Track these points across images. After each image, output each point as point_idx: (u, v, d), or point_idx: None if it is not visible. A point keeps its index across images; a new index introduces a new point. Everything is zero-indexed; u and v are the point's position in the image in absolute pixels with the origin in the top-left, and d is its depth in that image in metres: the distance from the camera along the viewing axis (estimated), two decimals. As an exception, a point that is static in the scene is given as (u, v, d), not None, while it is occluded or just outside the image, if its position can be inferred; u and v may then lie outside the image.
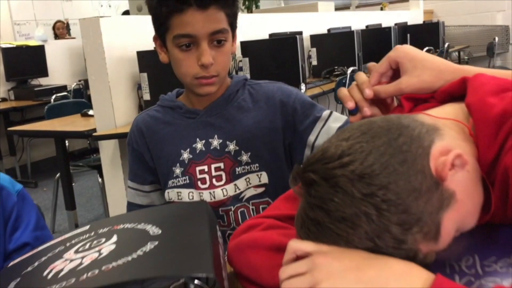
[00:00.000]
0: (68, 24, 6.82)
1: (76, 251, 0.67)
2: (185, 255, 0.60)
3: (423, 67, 0.74)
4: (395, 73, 0.77)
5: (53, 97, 3.94)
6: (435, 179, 0.56)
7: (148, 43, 2.43)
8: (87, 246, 0.67)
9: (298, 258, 0.58)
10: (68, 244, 0.72)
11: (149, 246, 0.62)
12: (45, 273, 0.63)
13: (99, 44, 2.38)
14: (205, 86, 1.03)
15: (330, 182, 0.55)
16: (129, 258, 0.59)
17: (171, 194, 1.09)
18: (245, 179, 1.08)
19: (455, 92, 0.70)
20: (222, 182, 1.07)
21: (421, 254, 0.56)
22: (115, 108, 2.48)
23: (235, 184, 1.07)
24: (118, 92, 2.51)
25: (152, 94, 2.46)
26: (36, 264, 0.69)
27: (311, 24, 4.39)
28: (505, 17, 6.92)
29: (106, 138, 2.42)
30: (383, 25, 5.22)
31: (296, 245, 0.58)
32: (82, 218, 3.45)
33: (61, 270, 0.61)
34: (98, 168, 2.99)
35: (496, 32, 6.86)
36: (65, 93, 4.16)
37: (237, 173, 1.07)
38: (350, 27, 4.48)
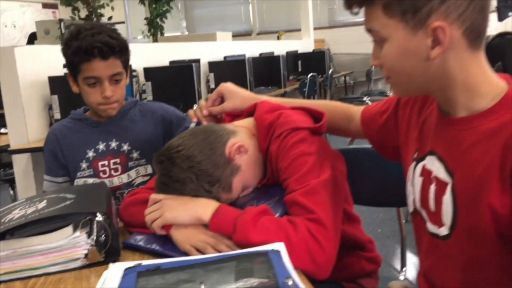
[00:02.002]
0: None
1: (20, 209, 1.08)
2: (90, 204, 1.05)
3: (236, 96, 1.25)
4: (222, 100, 1.28)
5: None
6: (227, 158, 1.06)
7: (58, 69, 2.81)
8: (27, 206, 1.09)
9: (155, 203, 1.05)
10: (12, 208, 1.12)
11: (68, 202, 1.06)
12: (1, 220, 1.03)
13: (13, 70, 2.71)
14: (107, 110, 1.49)
15: (171, 160, 1.03)
16: (56, 207, 1.03)
17: (79, 182, 1.51)
18: (135, 171, 1.54)
19: (251, 111, 1.21)
20: (118, 173, 1.53)
21: (222, 199, 1.05)
22: (28, 126, 2.80)
23: (128, 174, 1.54)
24: (31, 112, 2.84)
25: (62, 114, 2.81)
26: (-8, 219, 1.08)
27: (210, 51, 4.91)
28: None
29: (20, 152, 2.73)
30: (276, 53, 5.89)
31: (154, 196, 1.06)
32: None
33: (13, 217, 1.02)
34: (10, 182, 3.24)
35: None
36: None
37: (129, 166, 1.54)
38: (244, 55, 5.07)
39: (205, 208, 1.00)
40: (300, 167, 1.03)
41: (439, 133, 0.91)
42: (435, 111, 0.93)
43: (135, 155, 1.54)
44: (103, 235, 1.00)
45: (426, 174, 0.92)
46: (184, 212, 1.00)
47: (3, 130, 3.18)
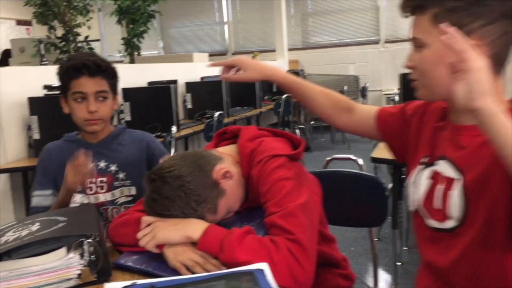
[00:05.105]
0: None
1: (14, 232, 1.13)
2: (81, 226, 1.11)
3: (253, 69, 1.31)
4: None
5: None
6: (215, 181, 1.14)
7: (38, 90, 2.85)
8: (20, 229, 1.14)
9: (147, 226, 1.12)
10: (5, 230, 1.17)
11: (60, 224, 1.12)
12: (-4, 243, 1.08)
13: (-7, 90, 2.74)
14: (92, 125, 1.59)
15: (162, 179, 1.10)
16: (50, 229, 1.08)
17: None
18: (120, 190, 1.63)
19: (236, 133, 1.30)
20: (104, 191, 1.61)
21: (207, 220, 1.12)
22: (7, 146, 2.82)
23: (112, 193, 1.62)
24: (9, 132, 2.86)
25: (42, 134, 2.84)
26: (-15, 241, 1.13)
27: (186, 72, 5.00)
28: (355, 68, 8.19)
29: (-2, 173, 2.74)
30: (251, 74, 5.99)
31: (146, 218, 1.13)
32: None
33: (8, 239, 1.07)
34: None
35: (348, 81, 8.07)
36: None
37: (114, 185, 1.62)
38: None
39: (194, 227, 1.07)
40: (279, 191, 1.11)
41: (450, 139, 1.05)
42: (448, 120, 1.08)
43: (121, 175, 1.63)
44: (94, 256, 1.06)
45: (436, 176, 1.06)
46: (175, 232, 1.08)
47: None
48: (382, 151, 2.37)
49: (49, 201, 1.61)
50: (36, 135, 2.86)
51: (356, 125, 1.30)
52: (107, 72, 1.59)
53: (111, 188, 1.62)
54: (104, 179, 1.62)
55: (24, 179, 2.89)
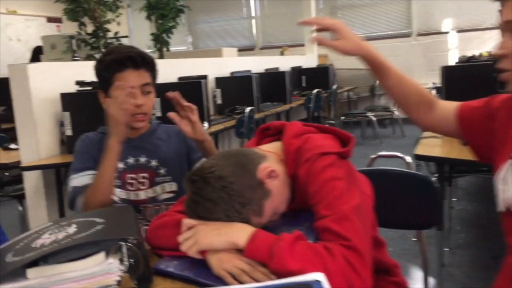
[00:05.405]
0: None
1: (50, 234, 1.07)
2: (120, 229, 1.04)
3: (351, 40, 1.15)
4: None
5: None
6: (260, 181, 1.06)
7: (70, 86, 2.83)
8: (56, 231, 1.08)
9: (189, 229, 1.05)
10: (40, 232, 1.11)
11: (98, 227, 1.06)
12: (32, 246, 1.03)
13: (26, 87, 2.72)
14: (138, 121, 1.53)
15: (204, 180, 1.03)
16: (88, 232, 1.02)
17: None
18: (161, 186, 1.57)
19: (279, 129, 1.22)
20: (145, 187, 1.56)
21: (252, 223, 1.05)
22: (40, 143, 2.81)
23: (154, 189, 1.56)
24: (42, 129, 2.84)
25: (74, 130, 2.81)
26: (21, 244, 1.08)
27: (216, 67, 4.94)
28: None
29: (32, 169, 2.73)
30: (281, 69, 5.92)
31: (187, 221, 1.05)
32: None
33: (45, 242, 1.02)
34: (18, 198, 3.23)
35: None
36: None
37: (156, 181, 1.57)
38: (250, 71, 5.09)
39: (240, 233, 1.00)
40: (330, 193, 1.03)
41: None
42: None
43: (162, 171, 1.57)
44: (134, 261, 1.00)
45: None
46: (218, 238, 1.00)
47: (13, 146, 3.17)
48: (425, 148, 2.25)
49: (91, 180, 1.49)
50: (69, 131, 2.83)
51: (435, 122, 1.21)
52: (150, 64, 1.54)
53: (152, 184, 1.57)
54: (146, 174, 1.56)
55: (57, 176, 2.88)
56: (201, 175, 1.04)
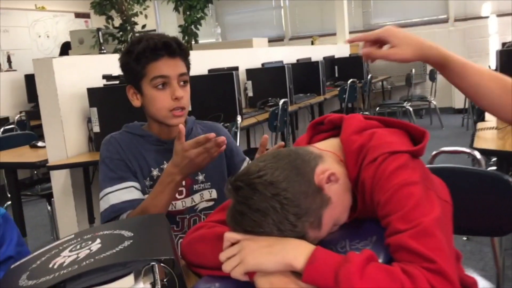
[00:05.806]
0: (9, 57, 6.84)
1: (71, 251, 0.92)
2: (153, 246, 0.87)
3: (407, 44, 0.99)
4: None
5: (1, 129, 4.04)
6: (317, 187, 0.87)
7: (97, 81, 2.69)
8: (78, 247, 0.92)
9: (232, 244, 0.88)
10: (60, 248, 0.96)
11: (126, 243, 0.89)
12: (50, 266, 0.87)
13: (51, 82, 2.60)
14: (177, 117, 1.32)
15: (251, 187, 0.85)
16: (113, 250, 0.86)
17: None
18: (200, 194, 1.38)
19: (336, 123, 1.03)
20: (183, 196, 1.37)
21: (309, 238, 0.86)
22: (67, 140, 2.68)
23: (192, 198, 1.38)
24: (69, 126, 2.72)
25: (102, 127, 2.68)
26: (38, 262, 0.93)
27: (246, 59, 4.76)
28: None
29: (59, 168, 2.61)
30: (313, 59, 5.69)
31: (230, 235, 0.88)
32: (30, 246, 3.54)
33: (63, 262, 0.86)
34: (47, 197, 3.14)
35: (415, 64, 7.56)
36: (12, 126, 4.26)
37: (194, 189, 1.38)
38: (282, 61, 4.89)
39: (296, 252, 0.81)
40: (405, 201, 0.84)
41: None
42: None
43: (200, 177, 1.39)
44: (168, 285, 0.83)
45: None
46: (270, 257, 0.82)
47: (40, 144, 3.07)
48: (482, 141, 2.02)
49: (135, 194, 1.31)
50: (96, 128, 2.70)
51: None
52: (186, 52, 1.35)
53: (190, 192, 1.37)
54: (183, 182, 1.31)
55: (85, 175, 2.76)
56: (247, 180, 0.86)
